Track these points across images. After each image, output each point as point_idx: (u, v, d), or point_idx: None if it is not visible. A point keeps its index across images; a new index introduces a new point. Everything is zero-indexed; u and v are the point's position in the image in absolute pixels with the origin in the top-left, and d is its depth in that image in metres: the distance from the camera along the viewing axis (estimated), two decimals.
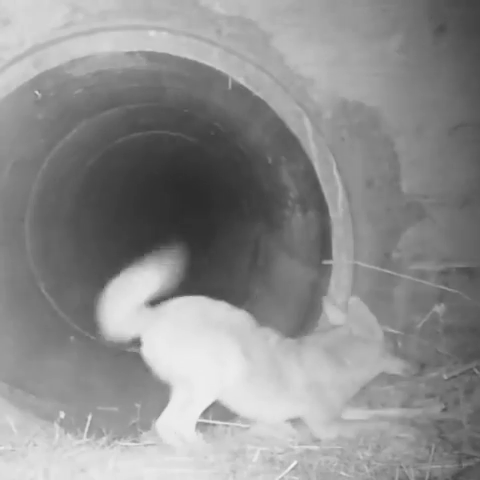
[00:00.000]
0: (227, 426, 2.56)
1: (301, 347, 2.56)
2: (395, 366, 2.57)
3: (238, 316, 2.60)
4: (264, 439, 2.40)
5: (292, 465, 2.07)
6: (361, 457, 2.17)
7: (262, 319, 3.99)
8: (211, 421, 2.58)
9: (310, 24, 2.81)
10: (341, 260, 2.89)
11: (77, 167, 4.98)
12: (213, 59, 2.80)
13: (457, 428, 2.33)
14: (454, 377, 2.66)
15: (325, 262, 2.92)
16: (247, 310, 4.38)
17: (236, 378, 2.40)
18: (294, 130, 2.87)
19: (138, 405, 2.79)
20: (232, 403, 2.50)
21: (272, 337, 2.57)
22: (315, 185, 2.93)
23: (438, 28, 2.83)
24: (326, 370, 2.49)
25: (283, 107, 2.85)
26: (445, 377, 2.60)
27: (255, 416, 2.52)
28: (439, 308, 2.87)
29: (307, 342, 2.59)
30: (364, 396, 2.70)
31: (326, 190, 2.89)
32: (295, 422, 2.58)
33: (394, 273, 2.90)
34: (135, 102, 3.83)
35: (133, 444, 2.36)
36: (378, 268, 2.89)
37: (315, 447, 2.29)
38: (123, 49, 2.80)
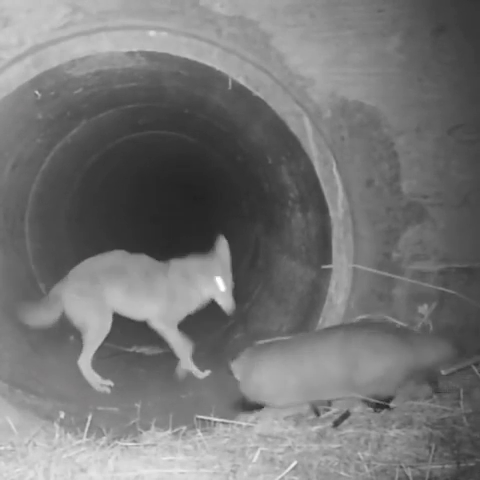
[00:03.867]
0: (227, 425, 2.56)
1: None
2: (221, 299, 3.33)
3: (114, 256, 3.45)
4: (266, 438, 2.41)
5: (292, 465, 2.07)
6: (361, 457, 2.17)
7: (262, 319, 4.00)
8: (212, 418, 2.59)
9: (310, 24, 2.81)
10: (341, 260, 2.89)
11: (77, 167, 4.98)
12: (213, 59, 2.80)
13: (457, 428, 2.33)
14: (452, 374, 2.66)
15: (324, 267, 2.92)
16: (247, 310, 4.39)
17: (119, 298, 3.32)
18: (294, 130, 2.87)
19: (138, 405, 2.79)
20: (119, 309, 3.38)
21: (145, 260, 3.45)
22: (315, 185, 2.93)
23: (437, 28, 2.82)
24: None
25: (283, 107, 2.85)
26: (443, 373, 2.60)
27: (131, 314, 3.42)
28: (423, 309, 2.88)
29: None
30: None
31: (326, 190, 2.88)
32: (296, 421, 2.59)
33: (394, 274, 2.90)
34: (135, 102, 3.83)
35: (133, 444, 2.36)
36: (377, 271, 2.89)
37: (315, 447, 2.29)
38: (123, 49, 2.80)
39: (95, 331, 3.29)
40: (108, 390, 3.26)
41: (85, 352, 3.28)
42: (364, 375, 2.46)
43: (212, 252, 3.34)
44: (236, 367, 2.66)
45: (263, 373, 2.58)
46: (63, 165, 4.34)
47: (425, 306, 2.89)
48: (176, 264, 3.41)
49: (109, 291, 3.33)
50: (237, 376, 2.66)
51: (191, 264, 3.37)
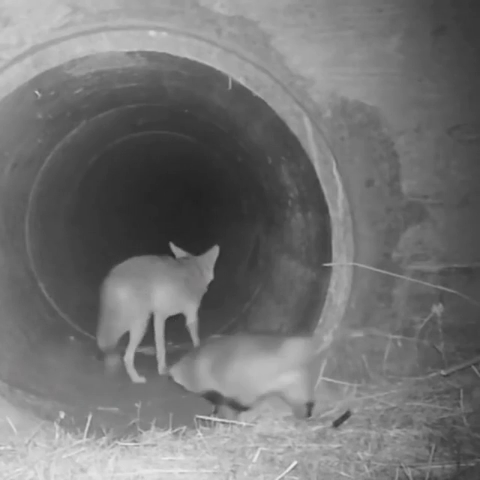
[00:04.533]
0: (227, 425, 2.56)
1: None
2: None
3: (156, 259, 3.67)
4: (266, 438, 2.41)
5: (292, 465, 2.07)
6: (361, 457, 2.17)
7: (262, 318, 4.00)
8: (212, 418, 2.59)
9: (310, 24, 2.81)
10: (341, 260, 2.89)
11: (77, 167, 4.98)
12: (213, 59, 2.80)
13: (457, 428, 2.34)
14: (452, 373, 2.66)
15: (326, 265, 2.92)
16: (247, 310, 4.39)
17: (164, 300, 3.57)
18: (294, 130, 2.87)
19: (138, 405, 2.79)
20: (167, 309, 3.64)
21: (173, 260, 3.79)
22: (315, 185, 2.93)
23: (438, 28, 2.83)
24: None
25: (283, 107, 2.85)
26: (443, 373, 2.60)
27: (175, 309, 3.71)
28: (437, 308, 2.88)
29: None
30: (364, 396, 2.70)
31: (326, 190, 2.88)
32: (296, 421, 2.58)
33: (394, 274, 2.90)
34: (135, 102, 3.83)
35: (133, 444, 2.35)
36: (377, 270, 2.89)
37: (315, 447, 2.29)
38: (123, 49, 2.80)
39: (139, 329, 3.50)
40: (143, 380, 3.52)
41: (131, 349, 3.51)
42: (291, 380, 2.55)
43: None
44: (175, 372, 2.92)
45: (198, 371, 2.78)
46: (63, 165, 4.34)
47: (440, 305, 2.88)
48: (199, 261, 3.85)
49: (157, 292, 3.52)
50: (177, 380, 2.91)
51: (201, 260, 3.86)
